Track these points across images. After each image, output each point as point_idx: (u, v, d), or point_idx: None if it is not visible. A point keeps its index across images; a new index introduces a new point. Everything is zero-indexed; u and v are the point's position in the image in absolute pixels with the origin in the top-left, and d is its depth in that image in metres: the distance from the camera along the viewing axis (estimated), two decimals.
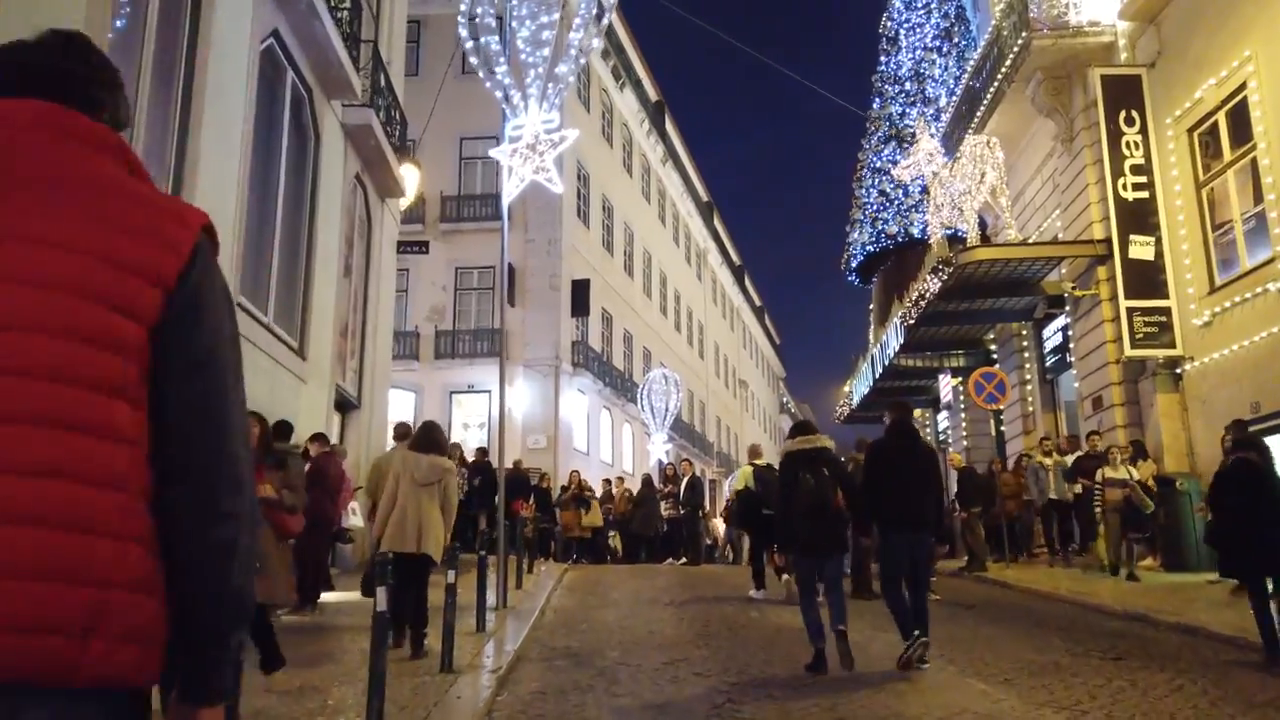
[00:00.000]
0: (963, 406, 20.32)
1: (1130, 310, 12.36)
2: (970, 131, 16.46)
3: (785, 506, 6.31)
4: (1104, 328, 13.19)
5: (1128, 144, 12.83)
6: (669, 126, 39.10)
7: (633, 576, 12.91)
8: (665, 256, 38.81)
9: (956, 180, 15.93)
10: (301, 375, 9.80)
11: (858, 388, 21.48)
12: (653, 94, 37.14)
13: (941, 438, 23.38)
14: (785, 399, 76.65)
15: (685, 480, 16.21)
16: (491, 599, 8.41)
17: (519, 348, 25.80)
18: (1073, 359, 14.58)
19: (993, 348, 18.51)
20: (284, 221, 9.44)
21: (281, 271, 9.38)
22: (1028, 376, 16.69)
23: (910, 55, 19.86)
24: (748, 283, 58.54)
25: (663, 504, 16.54)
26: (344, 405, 12.02)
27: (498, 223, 26.48)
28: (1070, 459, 12.16)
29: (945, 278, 13.95)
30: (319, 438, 8.52)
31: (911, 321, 16.12)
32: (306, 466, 8.50)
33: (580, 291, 26.98)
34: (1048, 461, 10.46)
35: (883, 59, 20.65)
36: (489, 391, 25.72)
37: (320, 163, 10.36)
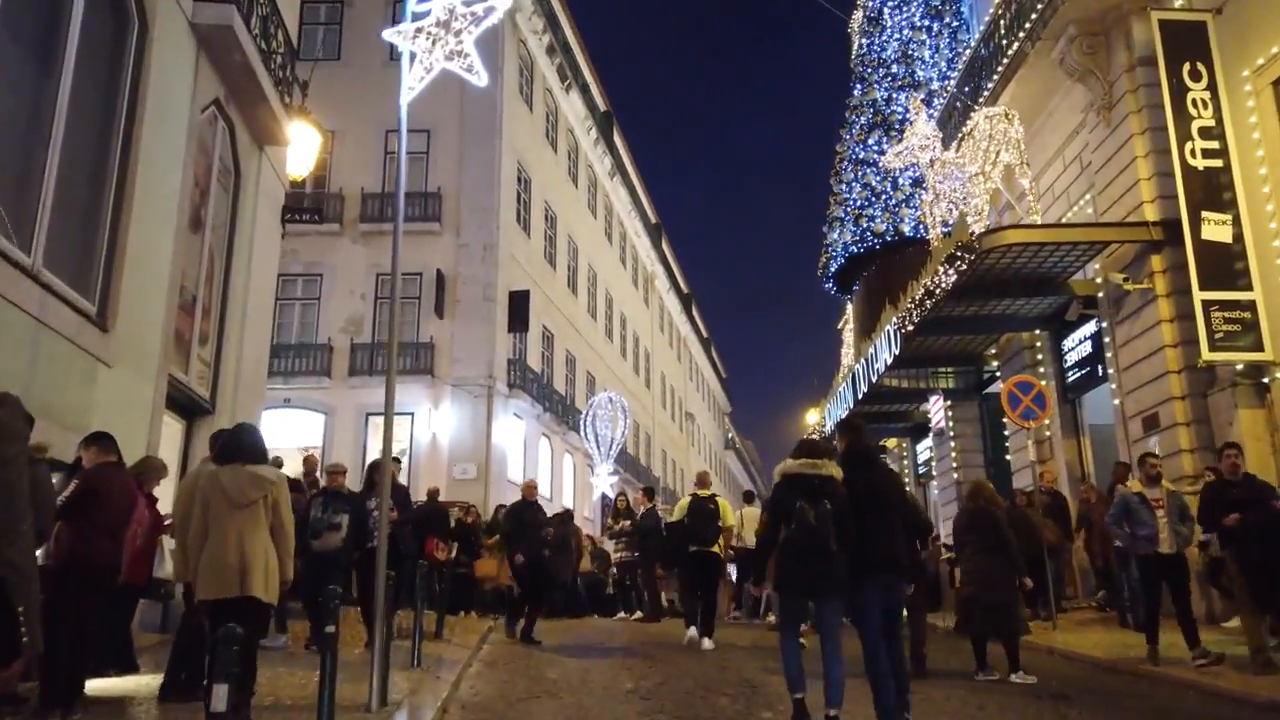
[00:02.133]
0: (952, 434, 17.82)
1: (1207, 304, 9.91)
2: (978, 107, 14.10)
3: (772, 538, 5.54)
4: (1161, 330, 10.73)
5: (1194, 102, 10.48)
6: (617, 139, 36.62)
7: (576, 643, 9.91)
8: (611, 276, 36.11)
9: (965, 162, 13.51)
10: (101, 354, 6.72)
11: (833, 411, 18.84)
12: (601, 104, 34.64)
13: (922, 469, 20.87)
14: (730, 434, 74.22)
15: (640, 514, 13.24)
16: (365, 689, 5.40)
17: (447, 365, 22.73)
18: (1110, 371, 12.10)
19: (994, 364, 16.06)
20: (74, 128, 6.42)
21: (67, 200, 6.34)
22: None
23: (896, 36, 17.59)
24: (695, 312, 56.13)
25: (613, 544, 13.56)
26: (189, 408, 8.89)
27: (426, 224, 23.54)
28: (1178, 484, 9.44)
29: (965, 268, 11.39)
30: (98, 440, 5.47)
31: (910, 327, 13.54)
32: (72, 484, 5.45)
33: (519, 304, 24.05)
34: (1157, 493, 7.61)
35: (864, 41, 18.38)
36: (411, 414, 22.57)
37: (148, 62, 7.36)
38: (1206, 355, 9.88)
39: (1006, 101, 13.42)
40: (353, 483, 10.15)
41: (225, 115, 9.33)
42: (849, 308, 21.63)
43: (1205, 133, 10.34)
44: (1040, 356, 14.29)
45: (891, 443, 21.94)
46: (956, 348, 15.71)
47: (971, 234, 11.26)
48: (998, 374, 16.43)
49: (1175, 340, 10.61)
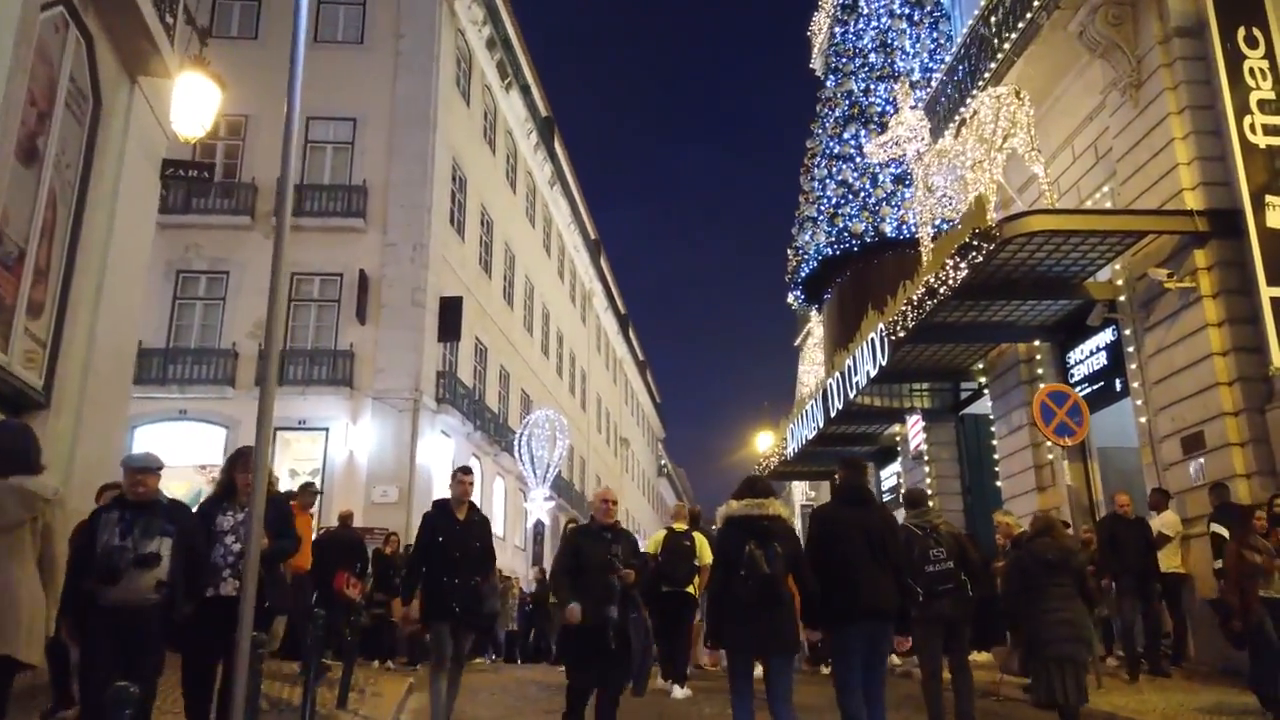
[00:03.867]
0: (927, 459, 16.27)
1: (1276, 302, 8.48)
2: (976, 91, 12.66)
3: (722, 588, 5.09)
4: (1207, 335, 9.26)
5: (1251, 72, 9.12)
6: (558, 147, 34.80)
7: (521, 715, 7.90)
8: (549, 290, 34.14)
9: (965, 150, 12.00)
10: None
11: (796, 432, 17.16)
12: (543, 108, 32.81)
13: (888, 496, 19.28)
14: (663, 461, 72.56)
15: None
16: None
17: (368, 375, 20.43)
18: (1135, 385, 10.61)
19: (978, 381, 14.56)
20: None
21: None
22: None
23: (874, 24, 16.17)
24: (632, 334, 54.43)
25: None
26: (8, 399, 6.66)
27: (349, 220, 21.07)
28: None
29: (980, 260, 9.79)
30: None
31: (901, 334, 11.93)
32: None
33: (450, 311, 21.91)
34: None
35: (837, 30, 16.96)
36: (326, 429, 20.20)
37: None
38: (1279, 363, 8.41)
39: (1011, 83, 11.98)
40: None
41: (80, 23, 7.19)
42: (815, 320, 20.07)
43: (1265, 106, 8.99)
44: (1040, 371, 12.79)
45: None
46: (942, 361, 14.17)
47: (991, 224, 9.65)
48: (984, 391, 14.97)
49: (1226, 347, 9.15)
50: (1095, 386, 11.70)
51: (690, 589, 8.91)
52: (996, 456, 14.02)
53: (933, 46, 15.85)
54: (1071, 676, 6.05)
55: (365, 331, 20.66)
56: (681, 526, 9.37)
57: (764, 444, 25.20)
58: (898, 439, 17.88)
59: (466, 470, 6.74)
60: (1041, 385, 12.69)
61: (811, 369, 19.62)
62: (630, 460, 52.99)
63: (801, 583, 5.09)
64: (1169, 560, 9.16)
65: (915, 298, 11.22)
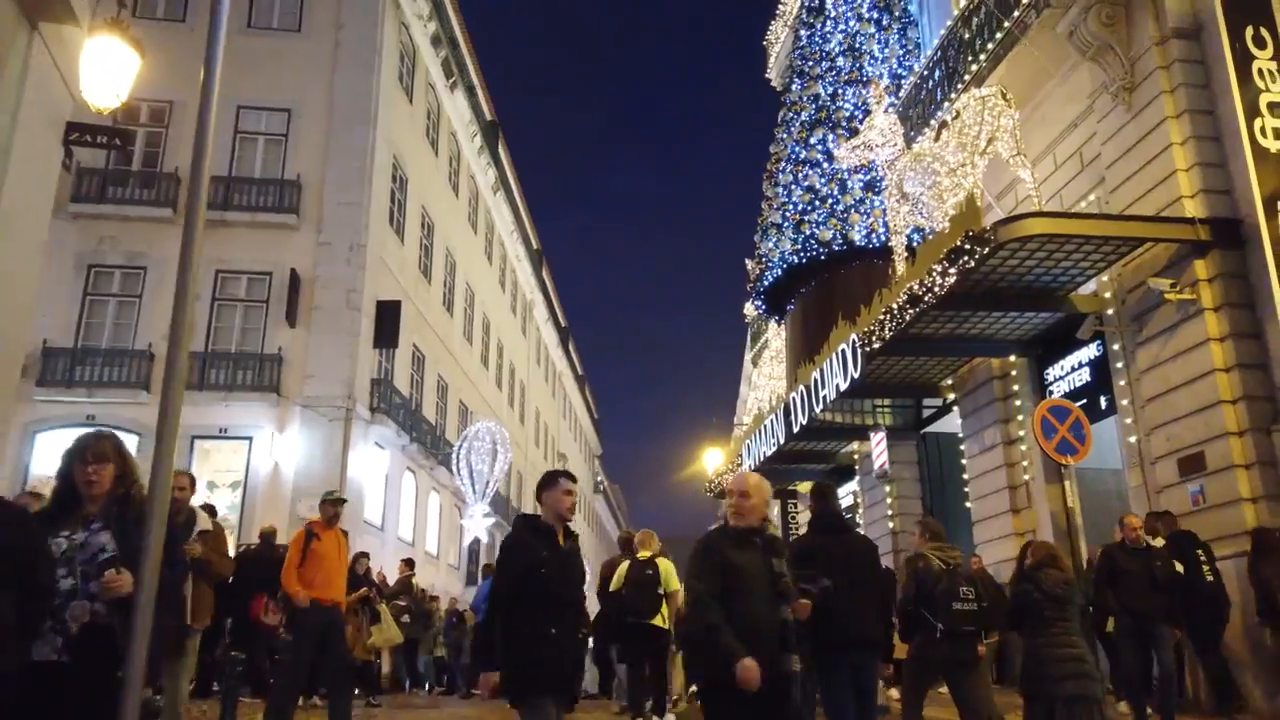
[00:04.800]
0: (890, 479, 15.67)
1: None
2: (955, 94, 12.14)
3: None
4: (1209, 350, 8.74)
5: (1260, 73, 8.67)
6: (502, 151, 33.77)
7: None
8: (490, 298, 33.02)
9: (946, 154, 11.43)
10: None
11: (753, 448, 16.42)
12: (488, 111, 31.78)
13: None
14: (600, 478, 71.47)
15: None
16: None
17: (297, 381, 19.13)
18: (1124, 403, 10.09)
19: (950, 396, 14.00)
20: None
21: None
22: (1018, 434, 12.16)
23: (841, 26, 15.63)
24: (571, 347, 53.42)
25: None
26: None
27: (279, 215, 19.60)
28: None
29: (971, 265, 9.15)
30: None
31: (877, 345, 11.26)
32: None
33: (387, 316, 20.71)
34: None
35: (803, 33, 16.40)
36: (250, 438, 18.82)
37: None
38: None
39: (992, 86, 11.46)
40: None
41: None
42: (773, 331, 19.40)
43: (1277, 109, 8.53)
44: (1015, 388, 12.25)
45: (805, 487, 19.70)
46: (911, 376, 13.58)
47: (985, 229, 9.02)
48: (951, 408, 14.43)
49: (1229, 363, 8.64)
50: (1077, 404, 11.13)
51: (658, 620, 8.11)
52: (966, 476, 13.43)
53: (901, 52, 15.37)
54: (1085, 718, 5.45)
55: (295, 335, 19.36)
56: (645, 554, 8.63)
57: (714, 461, 24.46)
58: (856, 457, 17.30)
59: (571, 477, 4.63)
60: (1018, 401, 12.21)
61: (768, 383, 18.93)
62: None
63: None
64: None
65: (895, 306, 10.55)
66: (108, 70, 8.99)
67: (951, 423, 14.94)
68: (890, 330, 10.86)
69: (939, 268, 9.55)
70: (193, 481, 5.40)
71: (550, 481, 4.52)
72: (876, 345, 11.29)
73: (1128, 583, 7.73)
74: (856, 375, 11.85)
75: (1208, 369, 8.73)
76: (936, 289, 9.72)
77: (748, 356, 31.92)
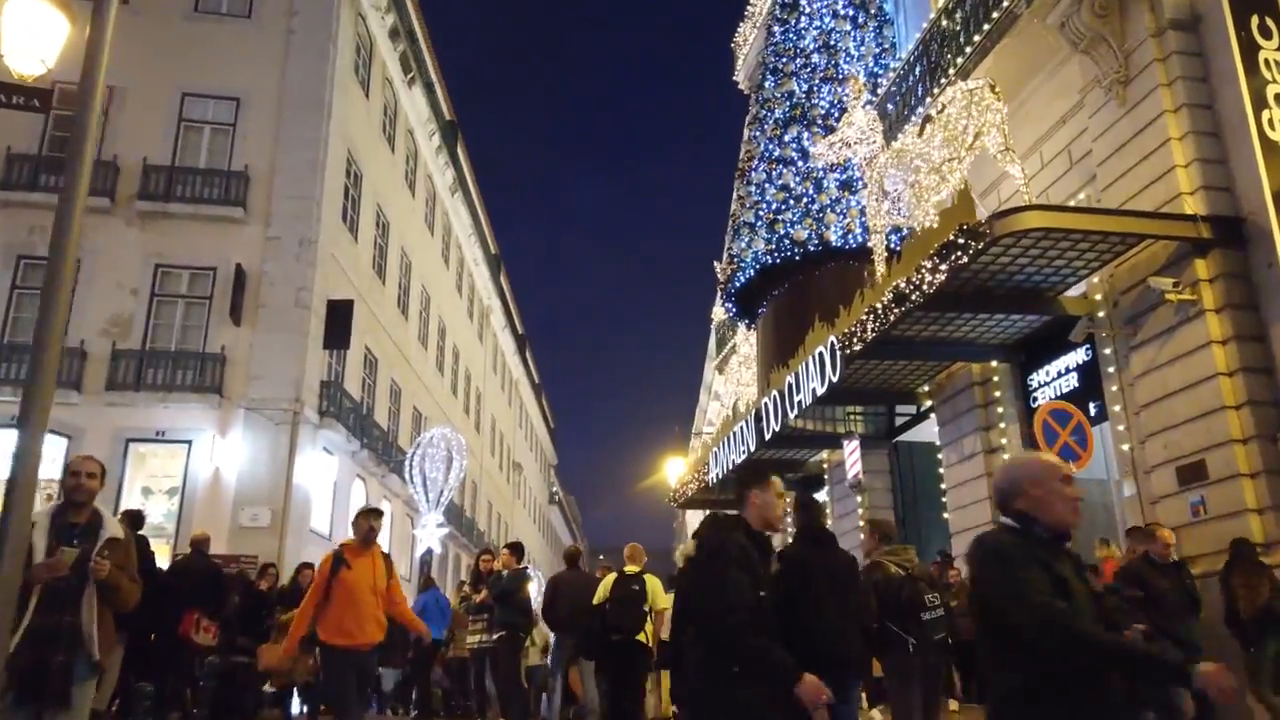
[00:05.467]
0: (863, 488, 15.16)
1: None
2: (938, 89, 11.71)
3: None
4: (1211, 353, 8.33)
5: (1266, 64, 8.31)
6: (461, 152, 32.94)
7: None
8: (446, 302, 32.14)
9: (932, 147, 10.98)
10: None
11: (721, 457, 15.83)
12: (446, 111, 30.93)
13: None
14: (555, 489, 70.47)
15: (504, 578, 9.42)
16: None
17: (241, 382, 18.15)
18: (1116, 409, 9.66)
19: (927, 403, 13.53)
20: None
21: None
22: (1000, 442, 11.70)
23: (816, 24, 15.18)
24: (529, 356, 52.54)
25: (471, 623, 9.73)
26: None
27: (225, 208, 18.43)
28: None
29: (965, 261, 8.65)
30: None
31: (858, 346, 10.73)
32: None
33: (339, 316, 19.79)
34: None
35: (776, 29, 15.90)
36: (189, 441, 17.79)
37: None
38: None
39: (979, 80, 11.03)
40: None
41: None
42: (741, 336, 18.83)
43: None
44: (997, 394, 11.81)
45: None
46: (888, 383, 13.08)
47: (981, 222, 8.53)
48: (925, 416, 13.98)
49: (1232, 366, 8.23)
50: None
51: (641, 637, 7.50)
52: (944, 486, 12.96)
53: (878, 50, 14.96)
54: None
55: (240, 334, 18.39)
56: (633, 569, 8.09)
57: (676, 470, 23.83)
58: (826, 466, 16.81)
59: (780, 477, 4.06)
60: (1000, 408, 11.77)
61: (736, 389, 18.36)
62: (523, 486, 50.92)
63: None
64: None
65: (880, 305, 10.03)
66: (32, 33, 8.14)
67: (925, 431, 14.50)
68: (873, 331, 10.34)
69: (929, 264, 9.04)
70: (103, 472, 4.56)
71: (760, 479, 3.85)
72: (858, 347, 10.76)
73: (1163, 605, 6.97)
74: (835, 378, 11.31)
75: (1210, 373, 8.31)
76: (925, 286, 9.21)
77: (709, 365, 31.42)
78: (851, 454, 14.32)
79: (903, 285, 9.55)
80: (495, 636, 9.10)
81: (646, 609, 7.65)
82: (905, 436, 15.26)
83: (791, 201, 13.87)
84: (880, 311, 10.06)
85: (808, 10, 15.42)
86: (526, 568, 9.80)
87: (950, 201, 10.39)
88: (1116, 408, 9.62)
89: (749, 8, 22.57)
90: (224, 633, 8.55)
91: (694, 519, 30.39)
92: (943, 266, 8.88)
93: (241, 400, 17.92)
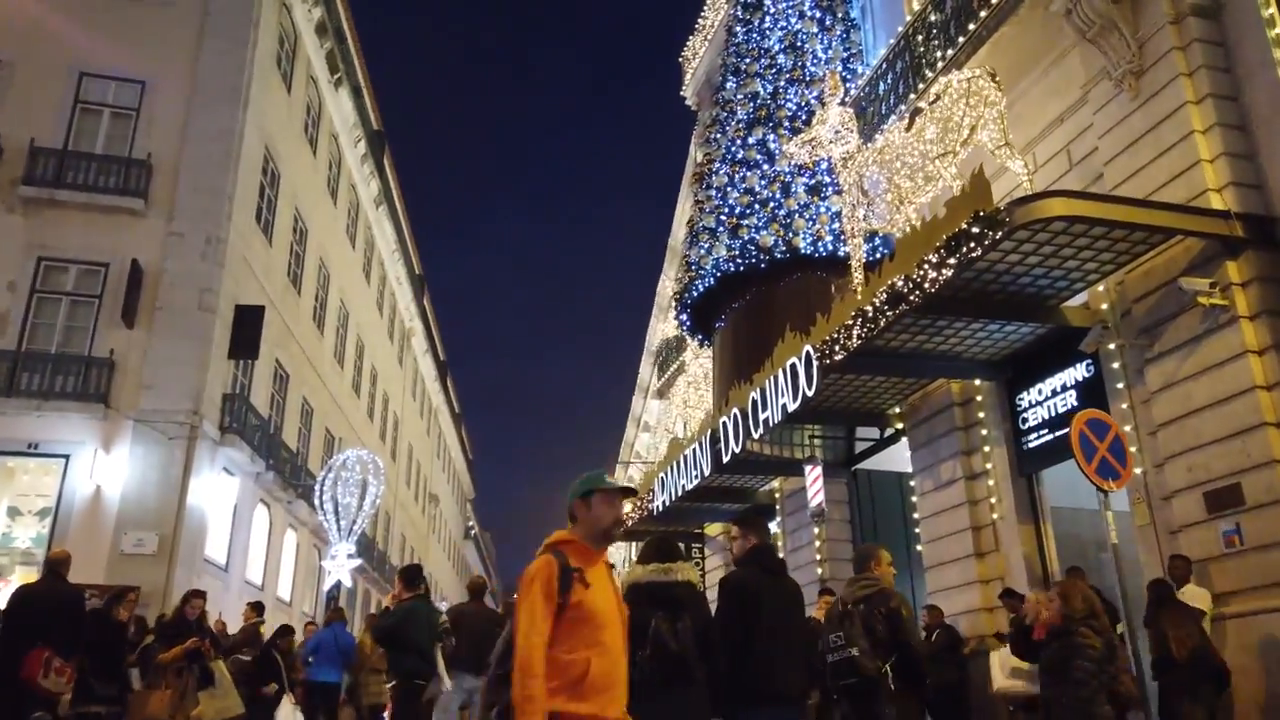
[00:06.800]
0: (823, 518, 14.05)
1: None
2: (924, 84, 10.86)
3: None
4: (1246, 364, 7.47)
5: None
6: (388, 164, 31.33)
7: None
8: (365, 320, 30.30)
9: (923, 142, 10.06)
10: None
11: (668, 483, 14.56)
12: (374, 119, 29.34)
13: None
14: (471, 524, 68.08)
15: (390, 615, 7.89)
16: None
17: (131, 391, 16.19)
18: (1127, 429, 8.72)
19: (898, 425, 12.53)
20: None
21: None
22: (985, 467, 10.72)
23: (781, 24, 14.34)
24: (450, 383, 50.56)
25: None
26: None
27: (123, 199, 15.70)
28: None
29: (977, 254, 7.65)
30: None
31: (840, 356, 9.66)
32: None
33: (248, 323, 17.99)
34: None
35: (739, 30, 15.01)
36: (66, 456, 15.71)
37: None
38: None
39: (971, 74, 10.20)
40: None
41: None
42: (690, 354, 17.66)
43: None
44: (981, 415, 10.86)
45: (714, 529, 17.95)
46: (858, 402, 12.06)
47: (999, 209, 7.54)
48: (890, 441, 13.00)
49: (1272, 379, 7.37)
50: (1058, 434, 9.77)
51: None
52: (917, 516, 11.93)
53: (845, 55, 14.16)
54: None
55: (133, 337, 16.46)
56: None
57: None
58: (778, 495, 15.68)
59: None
60: (984, 430, 10.81)
61: (684, 412, 17.15)
62: (438, 520, 48.67)
63: (709, 661, 4.41)
64: None
65: (872, 307, 8.97)
66: None
67: (887, 459, 13.55)
68: (860, 338, 9.27)
69: (934, 258, 8.02)
70: None
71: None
72: (839, 356, 9.68)
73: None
74: (810, 392, 10.19)
75: (1245, 386, 7.44)
76: (928, 285, 8.19)
77: (637, 397, 30.20)
78: (814, 481, 13.18)
79: (900, 284, 8.51)
80: (388, 687, 7.62)
81: None
82: (865, 464, 14.26)
83: (757, 206, 12.85)
84: (871, 315, 9.00)
85: (772, 10, 14.57)
86: (422, 594, 8.24)
87: (945, 199, 9.46)
88: (1128, 428, 8.68)
89: (700, 20, 21.84)
90: (81, 676, 6.87)
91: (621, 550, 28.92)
92: (950, 261, 7.87)
93: (130, 411, 15.94)
